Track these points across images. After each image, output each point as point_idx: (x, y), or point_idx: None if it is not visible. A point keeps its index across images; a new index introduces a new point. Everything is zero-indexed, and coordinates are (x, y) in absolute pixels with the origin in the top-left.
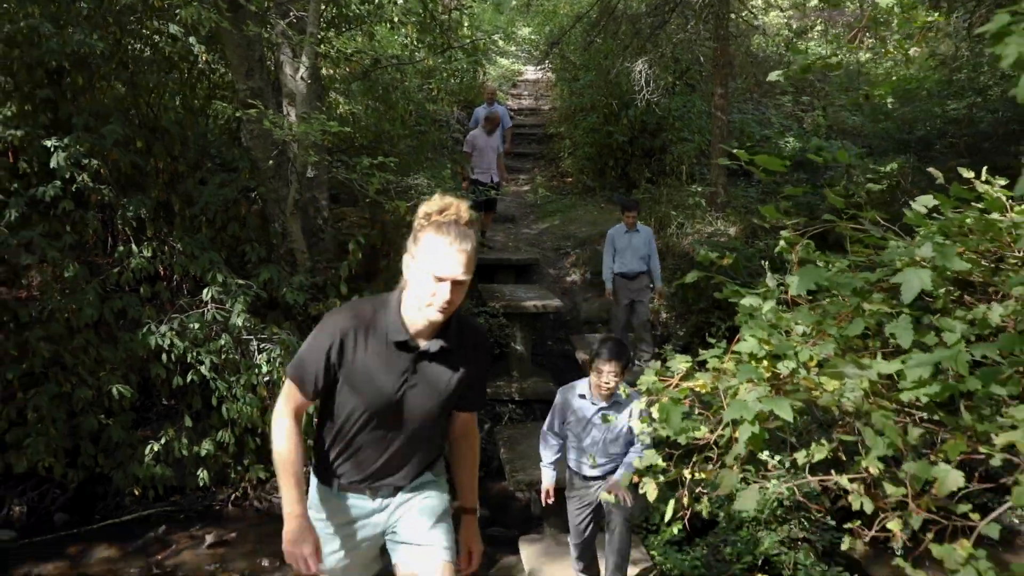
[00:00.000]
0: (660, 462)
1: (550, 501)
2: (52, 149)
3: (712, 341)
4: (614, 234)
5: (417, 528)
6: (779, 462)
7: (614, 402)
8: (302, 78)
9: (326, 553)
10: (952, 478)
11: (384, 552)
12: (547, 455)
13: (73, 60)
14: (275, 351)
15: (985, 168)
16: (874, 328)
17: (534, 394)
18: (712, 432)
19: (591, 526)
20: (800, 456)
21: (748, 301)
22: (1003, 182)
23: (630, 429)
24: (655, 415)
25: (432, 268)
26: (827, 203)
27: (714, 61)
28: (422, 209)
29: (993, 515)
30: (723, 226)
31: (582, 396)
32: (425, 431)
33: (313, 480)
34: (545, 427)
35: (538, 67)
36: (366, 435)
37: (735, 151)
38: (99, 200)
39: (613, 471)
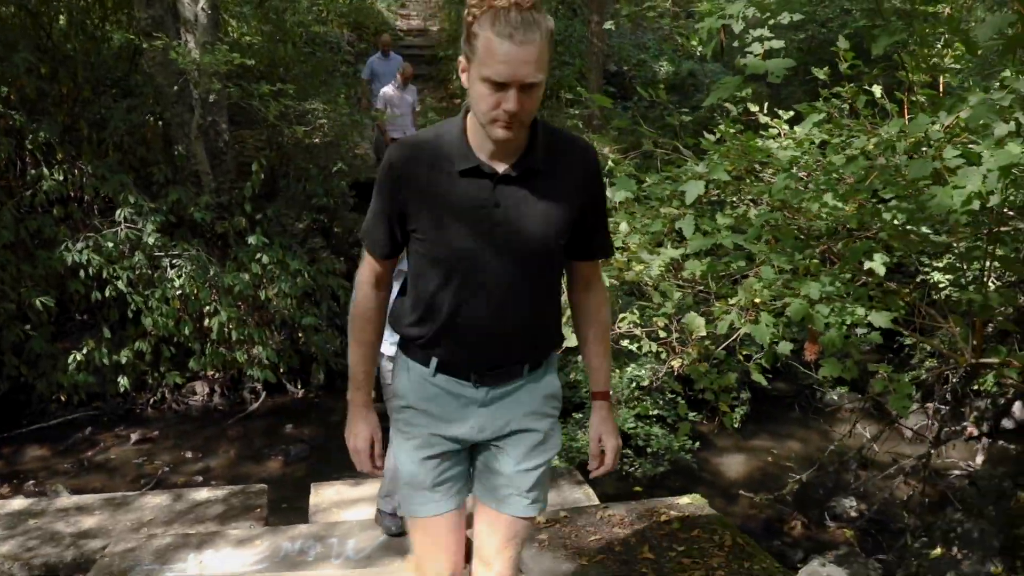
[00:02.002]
0: None
1: None
2: None
3: None
4: None
5: (509, 462)
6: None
7: None
8: (202, 8)
9: (408, 450)
10: (698, 322)
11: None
12: None
13: None
14: (186, 267)
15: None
16: (670, 226)
17: None
18: None
19: None
20: (622, 323)
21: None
22: (788, 115)
23: None
24: None
25: (491, 72)
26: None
27: None
28: None
29: (727, 341)
30: (599, 147)
31: None
32: (533, 287)
33: (405, 360)
34: None
35: None
36: (458, 294)
37: (581, 91)
38: (7, 125)
39: None
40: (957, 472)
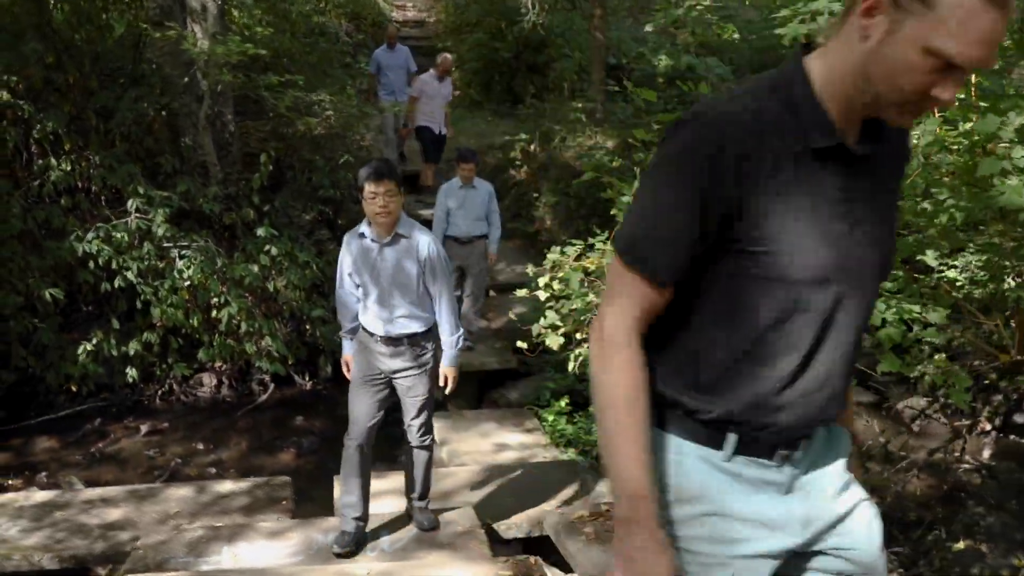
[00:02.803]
0: (558, 320)
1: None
2: None
3: (597, 232)
4: (447, 190)
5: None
6: None
7: (398, 235)
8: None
9: None
10: None
11: None
12: (345, 319)
13: None
14: (195, 257)
15: None
16: None
17: None
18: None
19: (378, 414)
20: None
21: (626, 197)
22: None
23: (423, 271)
24: (556, 286)
25: (955, 48)
26: None
27: None
28: None
29: None
30: (602, 140)
31: (362, 236)
32: (865, 316)
33: (668, 438)
34: (336, 287)
35: None
36: (797, 334)
37: (629, 86)
38: (15, 115)
39: (414, 335)
40: (966, 466)
